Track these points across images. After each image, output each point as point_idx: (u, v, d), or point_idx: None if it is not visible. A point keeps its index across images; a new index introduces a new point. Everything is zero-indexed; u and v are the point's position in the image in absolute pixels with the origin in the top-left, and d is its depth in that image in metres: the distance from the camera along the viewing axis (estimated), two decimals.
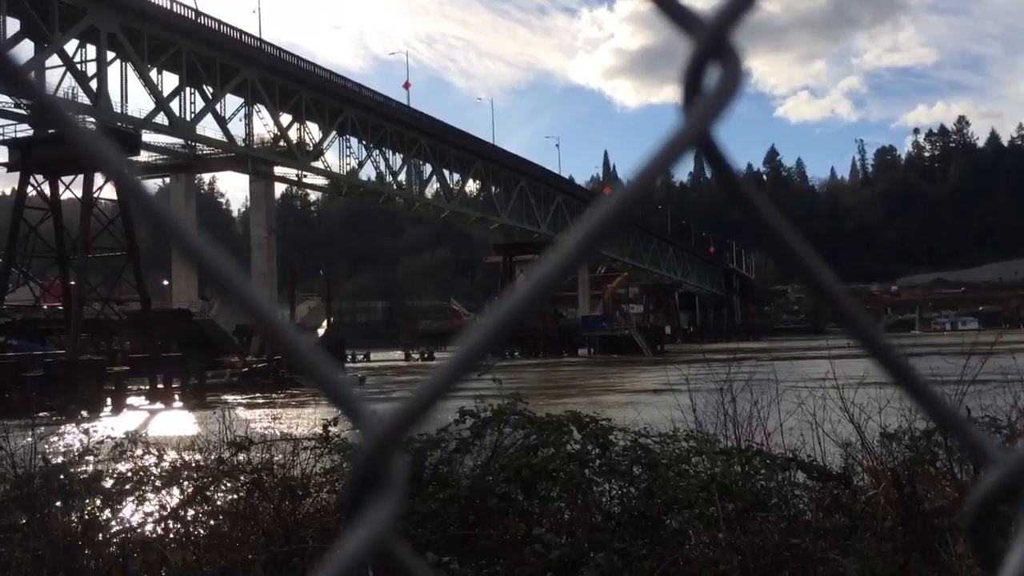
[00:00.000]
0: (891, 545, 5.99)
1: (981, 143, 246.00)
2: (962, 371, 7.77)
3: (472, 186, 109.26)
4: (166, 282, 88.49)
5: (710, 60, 0.62)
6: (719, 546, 6.07)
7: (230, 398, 48.43)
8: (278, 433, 8.56)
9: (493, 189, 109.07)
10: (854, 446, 7.34)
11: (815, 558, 5.78)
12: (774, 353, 38.67)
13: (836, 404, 7.56)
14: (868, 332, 0.66)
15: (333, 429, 7.42)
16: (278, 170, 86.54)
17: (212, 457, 7.49)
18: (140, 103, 69.28)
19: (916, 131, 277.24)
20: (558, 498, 7.14)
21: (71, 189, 60.75)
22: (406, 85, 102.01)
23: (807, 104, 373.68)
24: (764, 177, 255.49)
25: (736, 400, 7.90)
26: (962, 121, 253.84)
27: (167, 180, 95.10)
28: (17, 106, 58.06)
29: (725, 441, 7.62)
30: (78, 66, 61.87)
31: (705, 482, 6.59)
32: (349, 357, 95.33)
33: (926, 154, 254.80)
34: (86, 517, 6.86)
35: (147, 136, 70.18)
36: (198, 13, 69.60)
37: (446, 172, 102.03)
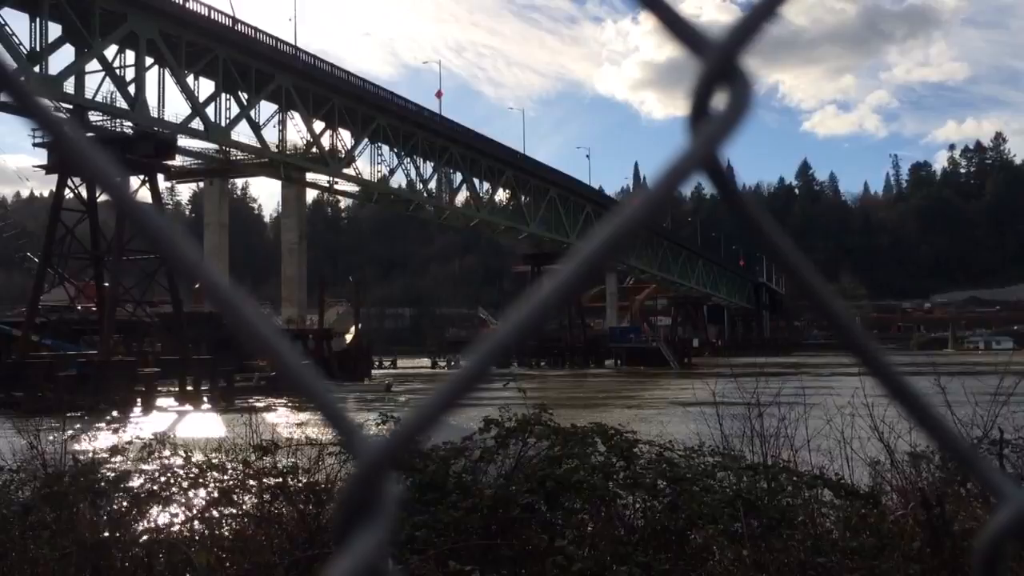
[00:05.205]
0: (919, 567, 5.89)
1: (1019, 160, 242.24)
2: (995, 390, 7.64)
3: (502, 195, 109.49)
4: (198, 285, 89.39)
5: (718, 83, 0.61)
6: (743, 563, 6.01)
7: (257, 401, 48.79)
8: (304, 437, 8.61)
9: (523, 198, 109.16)
10: (883, 465, 7.23)
11: None
12: (803, 368, 38.20)
13: (865, 422, 7.46)
14: (871, 353, 0.65)
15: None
16: (310, 176, 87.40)
17: (238, 460, 7.55)
18: (177, 108, 70.08)
19: (952, 147, 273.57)
20: (581, 510, 7.10)
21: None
22: (438, 94, 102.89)
23: (835, 118, 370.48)
24: (796, 191, 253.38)
25: (763, 415, 7.82)
26: (999, 137, 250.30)
27: (201, 184, 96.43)
28: (56, 110, 59.07)
29: (751, 457, 7.55)
30: (117, 71, 62.94)
31: (730, 498, 6.52)
32: (376, 363, 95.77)
33: (961, 170, 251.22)
34: (114, 516, 6.95)
35: (183, 141, 71.24)
36: (235, 20, 70.61)
37: (476, 181, 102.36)
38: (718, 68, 0.61)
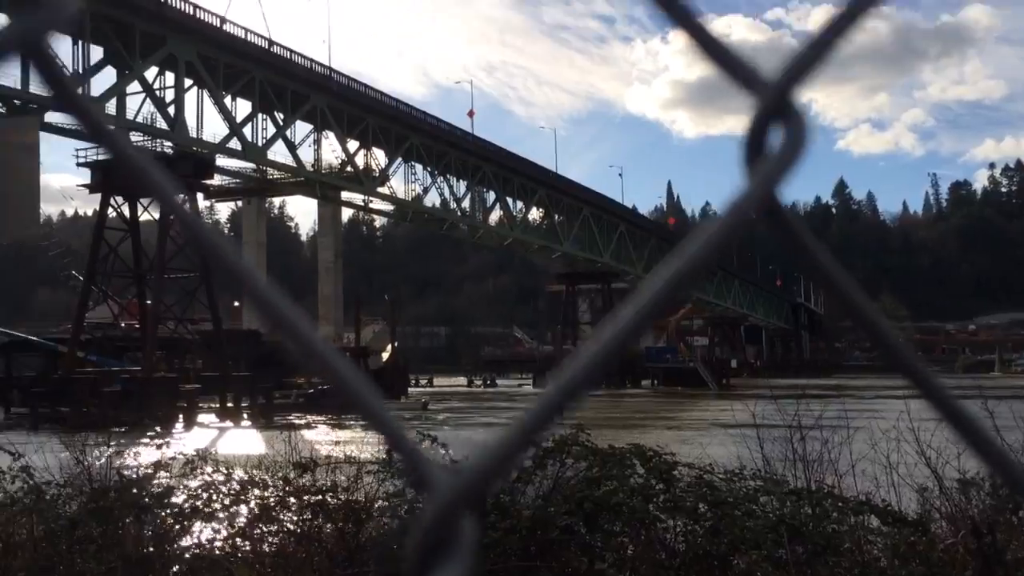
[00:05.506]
0: None
1: None
2: None
3: (535, 214, 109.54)
4: (237, 303, 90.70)
5: (773, 120, 0.60)
6: None
7: (297, 419, 49.11)
8: (342, 455, 8.66)
9: (556, 217, 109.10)
10: (931, 491, 7.07)
11: None
12: (845, 391, 37.58)
13: (912, 447, 7.32)
14: (922, 374, 0.65)
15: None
16: (345, 195, 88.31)
17: (278, 477, 7.62)
18: (214, 128, 71.42)
19: (992, 166, 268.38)
20: (621, 532, 7.03)
21: (149, 211, 62.96)
22: (470, 113, 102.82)
23: (869, 137, 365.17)
24: (833, 211, 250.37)
25: (806, 439, 7.70)
26: None
27: (239, 203, 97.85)
28: None
29: (794, 481, 7.43)
30: (157, 92, 64.29)
31: (774, 523, 6.42)
32: (413, 381, 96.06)
33: (1003, 189, 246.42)
34: (158, 532, 7.04)
35: (220, 160, 72.45)
36: (271, 42, 71.80)
37: (509, 200, 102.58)
38: (773, 105, 0.61)
